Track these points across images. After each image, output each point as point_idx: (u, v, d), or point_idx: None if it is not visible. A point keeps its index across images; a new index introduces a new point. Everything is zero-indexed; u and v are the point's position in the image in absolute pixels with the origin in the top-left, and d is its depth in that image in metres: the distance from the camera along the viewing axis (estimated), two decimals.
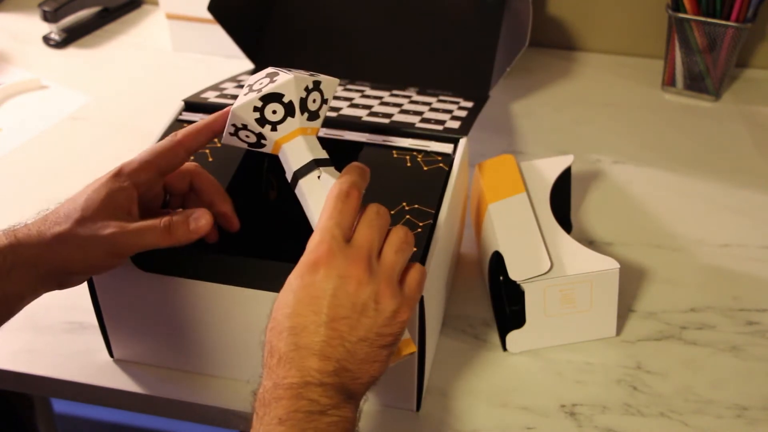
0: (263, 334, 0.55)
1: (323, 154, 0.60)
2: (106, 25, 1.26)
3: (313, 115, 0.61)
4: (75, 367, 0.74)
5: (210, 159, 0.74)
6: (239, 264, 0.65)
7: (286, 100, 0.59)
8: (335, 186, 0.56)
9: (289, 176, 0.60)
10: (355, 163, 0.59)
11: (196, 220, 0.62)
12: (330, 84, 0.62)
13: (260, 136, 0.61)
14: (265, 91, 0.59)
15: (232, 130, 0.61)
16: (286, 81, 0.59)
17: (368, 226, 0.55)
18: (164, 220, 0.61)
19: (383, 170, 0.71)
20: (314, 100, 0.60)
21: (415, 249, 0.59)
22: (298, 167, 0.59)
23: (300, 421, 0.50)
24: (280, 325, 0.53)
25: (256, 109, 0.59)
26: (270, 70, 0.62)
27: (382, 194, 0.67)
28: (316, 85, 0.61)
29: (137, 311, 0.69)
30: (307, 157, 0.59)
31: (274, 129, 0.60)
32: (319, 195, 0.58)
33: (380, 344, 0.54)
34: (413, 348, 0.58)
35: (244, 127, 0.61)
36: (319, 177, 0.58)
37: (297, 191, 0.60)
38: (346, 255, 0.53)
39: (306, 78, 0.60)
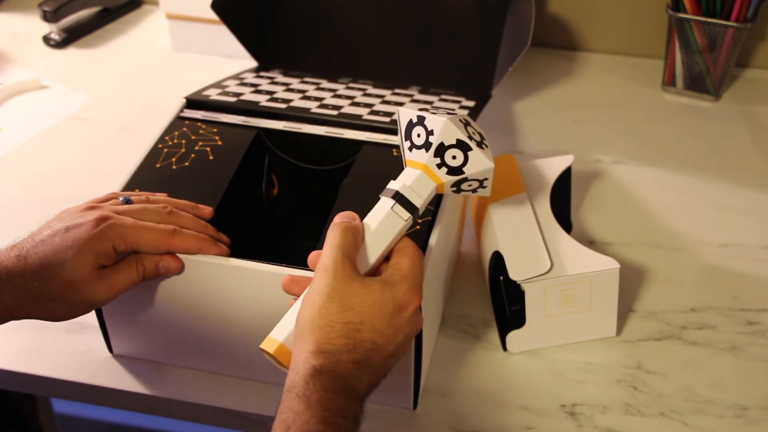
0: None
1: (411, 197, 0.61)
2: (106, 25, 1.26)
3: (446, 169, 0.63)
4: (75, 367, 0.74)
5: (211, 157, 0.74)
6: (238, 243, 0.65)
7: (446, 159, 0.62)
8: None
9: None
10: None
11: (166, 269, 0.65)
12: (485, 172, 0.64)
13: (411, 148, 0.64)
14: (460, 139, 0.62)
15: (407, 122, 0.64)
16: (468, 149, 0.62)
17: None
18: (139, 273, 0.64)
19: (383, 169, 0.71)
20: (457, 160, 0.63)
21: None
22: (393, 186, 0.62)
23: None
24: (363, 331, 0.55)
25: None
26: (461, 117, 0.64)
27: (381, 192, 0.67)
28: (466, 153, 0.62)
29: (137, 306, 0.69)
30: (401, 186, 0.61)
31: (438, 165, 0.63)
32: (378, 217, 0.61)
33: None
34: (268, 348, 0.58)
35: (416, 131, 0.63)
36: (392, 208, 0.60)
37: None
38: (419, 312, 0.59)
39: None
